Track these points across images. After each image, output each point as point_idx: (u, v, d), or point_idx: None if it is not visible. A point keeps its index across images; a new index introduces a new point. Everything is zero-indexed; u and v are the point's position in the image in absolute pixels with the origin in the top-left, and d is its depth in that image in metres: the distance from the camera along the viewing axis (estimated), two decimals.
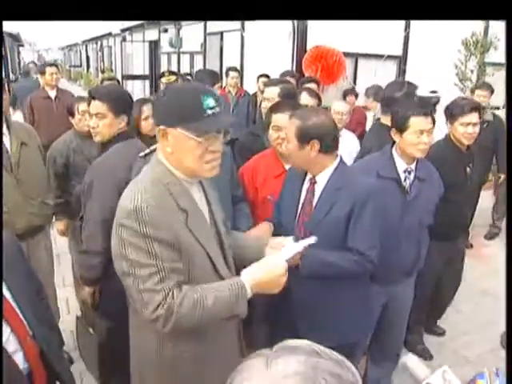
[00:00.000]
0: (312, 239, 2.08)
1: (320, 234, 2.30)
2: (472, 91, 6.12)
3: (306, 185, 2.52)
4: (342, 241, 2.39)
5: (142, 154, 2.55)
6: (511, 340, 1.35)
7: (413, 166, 2.91)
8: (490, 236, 6.77)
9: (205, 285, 1.72)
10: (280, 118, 2.87)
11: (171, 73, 6.92)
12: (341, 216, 2.36)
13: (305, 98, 3.83)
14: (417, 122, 2.79)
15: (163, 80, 6.22)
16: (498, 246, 6.51)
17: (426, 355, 3.99)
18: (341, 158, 2.51)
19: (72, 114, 3.90)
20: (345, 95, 7.32)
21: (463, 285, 4.78)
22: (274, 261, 1.83)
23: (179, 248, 1.69)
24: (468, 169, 3.64)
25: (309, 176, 2.51)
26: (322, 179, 2.46)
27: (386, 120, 3.36)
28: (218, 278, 1.82)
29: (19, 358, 1.78)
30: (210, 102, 1.71)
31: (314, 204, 2.47)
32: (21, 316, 1.80)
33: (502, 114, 6.55)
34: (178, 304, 1.63)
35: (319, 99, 3.98)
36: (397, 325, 3.25)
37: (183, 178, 1.78)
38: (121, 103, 2.83)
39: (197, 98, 1.71)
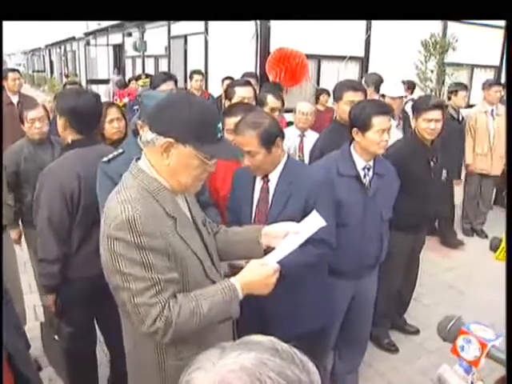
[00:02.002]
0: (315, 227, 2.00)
1: None
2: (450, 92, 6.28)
3: (259, 184, 2.59)
4: None
5: (105, 159, 2.54)
6: (511, 339, 1.41)
7: (371, 163, 3.01)
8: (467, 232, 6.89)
9: (198, 291, 1.70)
10: (233, 122, 2.86)
11: (147, 76, 6.90)
12: (297, 208, 2.45)
13: (270, 100, 3.92)
14: (379, 121, 2.90)
15: (139, 83, 6.18)
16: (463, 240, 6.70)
17: (391, 349, 4.10)
18: (288, 154, 2.62)
19: (23, 122, 3.84)
20: (318, 95, 7.39)
21: (428, 278, 4.92)
22: (262, 261, 1.82)
23: (174, 256, 1.66)
24: (432, 163, 3.82)
25: (260, 176, 2.59)
26: (274, 176, 2.55)
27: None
28: (210, 283, 1.80)
29: None
30: (220, 125, 1.71)
31: (269, 201, 2.54)
32: None
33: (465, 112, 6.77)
34: (175, 315, 1.61)
35: (282, 102, 4.09)
36: (363, 318, 3.32)
37: (167, 187, 1.72)
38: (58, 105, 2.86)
39: (216, 120, 1.70)
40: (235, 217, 2.63)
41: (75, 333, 2.89)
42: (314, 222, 1.98)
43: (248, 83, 3.78)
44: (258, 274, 1.78)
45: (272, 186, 2.55)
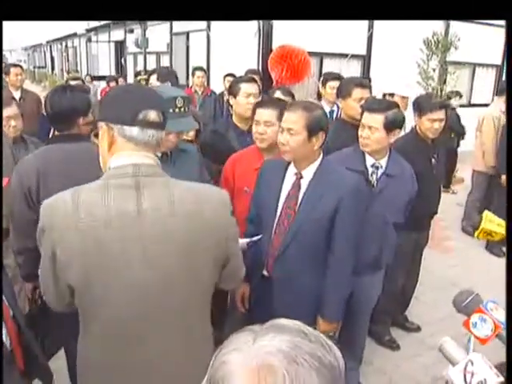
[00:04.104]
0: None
1: (306, 227, 2.45)
2: None
3: (291, 179, 2.56)
4: (326, 235, 2.50)
5: None
6: (511, 338, 1.43)
7: (382, 162, 3.01)
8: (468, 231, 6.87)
9: None
10: (260, 113, 2.97)
11: (147, 72, 6.92)
12: (326, 210, 2.46)
13: (278, 96, 3.93)
14: (364, 117, 2.96)
15: (138, 79, 6.20)
16: (463, 238, 6.71)
17: (392, 345, 4.10)
18: (324, 153, 2.61)
19: None
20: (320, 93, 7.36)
21: (429, 276, 4.92)
22: None
23: None
24: (433, 160, 3.83)
25: (293, 170, 2.56)
26: (308, 173, 2.52)
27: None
28: None
29: (3, 334, 1.83)
30: None
31: (299, 198, 2.52)
32: (3, 297, 1.86)
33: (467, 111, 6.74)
34: None
35: (292, 97, 4.09)
36: (359, 317, 3.30)
37: None
38: None
39: None
40: (260, 209, 2.65)
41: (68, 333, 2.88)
42: None
43: (253, 79, 3.79)
44: None
45: (304, 183, 2.53)
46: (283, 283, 2.58)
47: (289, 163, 2.58)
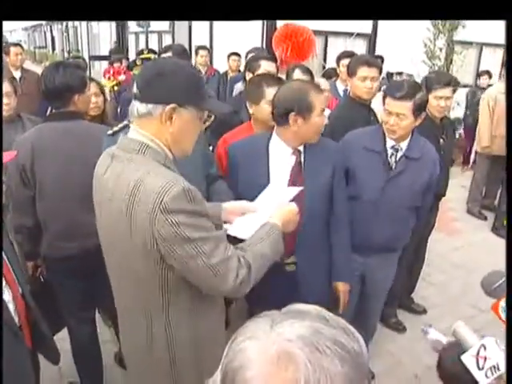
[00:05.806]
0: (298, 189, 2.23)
1: (317, 203, 2.53)
2: None
3: (291, 158, 2.55)
4: (329, 205, 2.64)
5: (109, 131, 2.52)
6: (511, 338, 1.39)
7: (402, 145, 2.90)
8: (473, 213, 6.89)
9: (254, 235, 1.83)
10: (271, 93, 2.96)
11: (150, 51, 6.84)
12: (327, 178, 2.57)
13: (298, 75, 3.95)
14: (389, 104, 2.84)
15: (141, 57, 6.17)
16: (468, 220, 6.67)
17: (399, 328, 4.08)
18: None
19: None
20: (330, 76, 7.22)
21: (434, 258, 4.88)
22: (287, 203, 2.03)
23: None
24: (441, 140, 3.72)
25: (290, 150, 2.55)
26: (301, 148, 2.56)
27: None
28: None
29: (11, 311, 1.89)
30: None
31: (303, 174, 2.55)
32: (13, 274, 1.94)
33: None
34: (251, 260, 1.68)
35: (311, 75, 4.06)
36: (373, 300, 3.25)
37: (171, 157, 1.70)
38: None
39: (203, 78, 1.78)
40: (250, 193, 2.50)
41: (69, 311, 2.88)
42: (281, 193, 2.19)
43: (272, 58, 3.80)
44: (289, 212, 1.96)
45: (302, 158, 2.57)
46: (305, 264, 2.61)
47: (268, 142, 2.58)
